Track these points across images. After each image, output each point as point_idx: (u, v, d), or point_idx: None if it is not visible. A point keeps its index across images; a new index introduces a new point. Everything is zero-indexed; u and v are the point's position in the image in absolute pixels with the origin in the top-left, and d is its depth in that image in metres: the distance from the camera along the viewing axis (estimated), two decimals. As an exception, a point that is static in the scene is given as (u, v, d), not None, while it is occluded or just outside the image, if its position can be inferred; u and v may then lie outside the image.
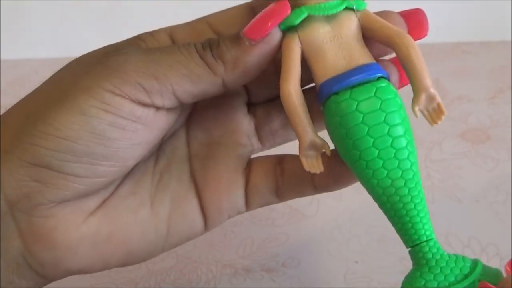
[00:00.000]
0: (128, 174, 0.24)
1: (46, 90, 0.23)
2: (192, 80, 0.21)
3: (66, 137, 0.20)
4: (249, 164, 0.26)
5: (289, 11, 0.21)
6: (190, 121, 0.26)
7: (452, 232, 0.34)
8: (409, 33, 0.22)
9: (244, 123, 0.26)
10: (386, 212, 0.22)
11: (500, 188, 0.37)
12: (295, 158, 0.24)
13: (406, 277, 0.22)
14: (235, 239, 0.34)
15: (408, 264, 0.22)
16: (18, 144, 0.21)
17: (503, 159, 0.39)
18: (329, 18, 0.22)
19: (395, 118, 0.21)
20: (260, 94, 0.26)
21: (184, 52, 0.21)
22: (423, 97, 0.21)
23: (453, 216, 0.35)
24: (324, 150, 0.22)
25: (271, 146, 0.27)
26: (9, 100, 0.51)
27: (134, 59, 0.21)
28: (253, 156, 0.26)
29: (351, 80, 0.21)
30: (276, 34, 0.21)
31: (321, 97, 0.22)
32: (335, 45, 0.22)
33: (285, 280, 0.31)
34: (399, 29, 0.21)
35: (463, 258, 0.21)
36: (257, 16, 0.21)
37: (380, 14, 0.22)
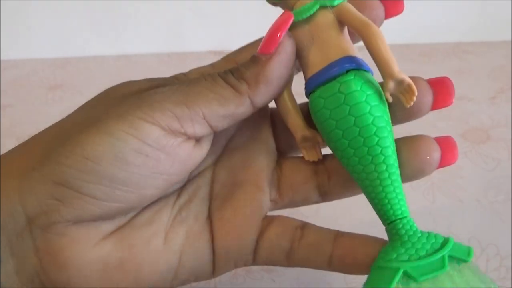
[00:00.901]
0: (148, 205, 0.24)
1: (78, 116, 0.23)
2: (220, 103, 0.22)
3: (89, 157, 0.21)
4: (269, 219, 0.26)
5: (292, 18, 0.22)
6: (218, 163, 0.26)
7: (452, 232, 0.34)
8: (435, 97, 0.23)
9: (268, 170, 0.26)
10: (365, 195, 0.23)
11: (500, 188, 0.37)
12: (319, 229, 0.25)
13: (379, 253, 0.23)
14: (235, 239, 0.34)
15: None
16: (45, 162, 0.21)
17: (503, 159, 0.39)
18: (308, 21, 0.23)
19: (359, 110, 0.22)
20: (287, 141, 0.26)
21: (209, 79, 0.22)
22: (390, 84, 0.22)
23: (453, 216, 0.35)
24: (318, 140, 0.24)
25: (289, 202, 0.26)
26: (9, 100, 0.51)
27: (164, 91, 0.22)
28: (276, 213, 0.26)
29: (319, 79, 0.22)
30: (288, 41, 0.22)
31: (306, 97, 0.24)
32: (314, 45, 0.23)
33: (285, 280, 0.31)
34: (365, 19, 0.22)
35: (436, 235, 0.22)
36: (266, 34, 0.22)
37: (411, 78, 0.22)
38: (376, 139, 0.22)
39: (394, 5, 0.24)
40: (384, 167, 0.22)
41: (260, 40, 0.25)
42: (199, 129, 0.22)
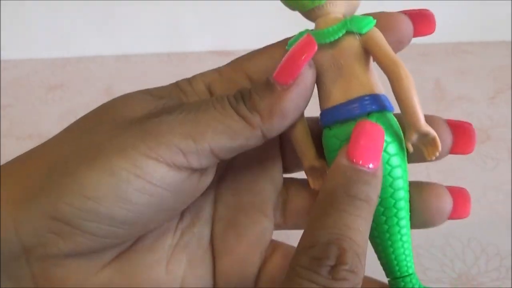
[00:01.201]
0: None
1: (77, 137, 0.21)
2: (230, 136, 0.20)
3: (91, 197, 0.19)
4: (273, 247, 0.25)
5: (316, 47, 0.20)
6: (221, 182, 0.25)
7: (452, 232, 0.34)
8: (455, 142, 0.22)
9: (274, 195, 0.25)
10: (371, 244, 0.22)
11: (500, 188, 0.37)
12: None
13: None
14: (235, 239, 0.34)
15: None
16: (42, 194, 0.20)
17: (503, 159, 0.39)
18: (332, 44, 0.21)
19: None
20: (295, 160, 0.24)
21: (219, 108, 0.20)
22: (414, 136, 0.20)
23: (453, 216, 0.35)
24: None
25: (293, 227, 0.25)
26: (9, 100, 0.51)
27: (169, 120, 0.20)
28: (280, 239, 0.25)
29: (337, 115, 0.21)
30: (308, 72, 0.20)
31: (320, 126, 0.22)
32: (335, 72, 0.21)
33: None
34: (396, 59, 0.20)
35: None
36: (284, 58, 0.20)
37: (428, 119, 0.21)
38: (391, 191, 0.21)
39: (425, 26, 0.22)
40: (395, 220, 0.21)
41: (272, 47, 0.23)
42: (205, 162, 0.21)
